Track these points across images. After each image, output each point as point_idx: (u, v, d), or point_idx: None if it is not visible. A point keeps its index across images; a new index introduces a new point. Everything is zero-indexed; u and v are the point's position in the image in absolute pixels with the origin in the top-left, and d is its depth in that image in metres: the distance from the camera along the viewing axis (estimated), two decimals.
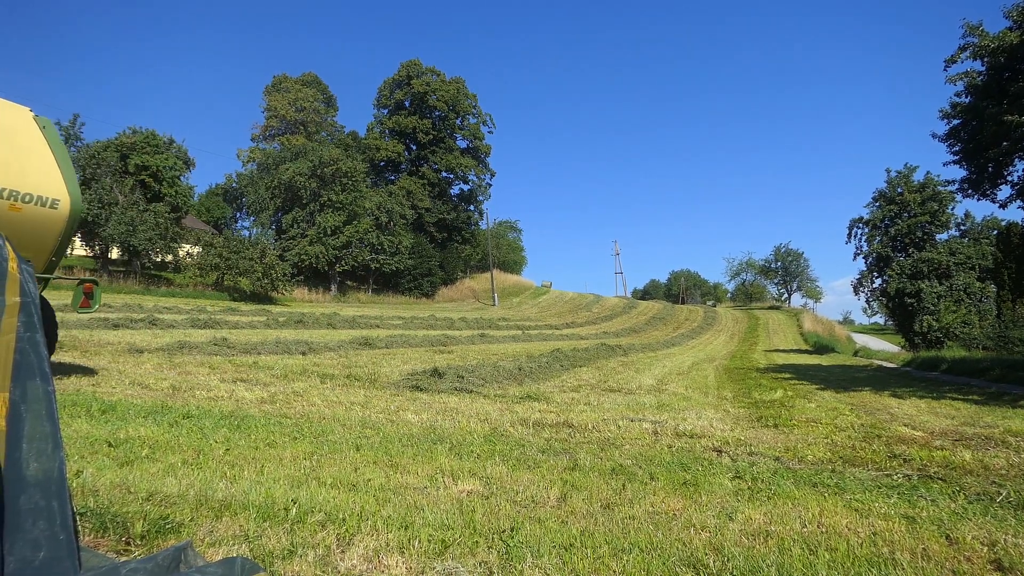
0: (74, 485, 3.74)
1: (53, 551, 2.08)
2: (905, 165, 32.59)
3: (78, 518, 2.71)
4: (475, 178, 64.17)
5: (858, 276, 33.40)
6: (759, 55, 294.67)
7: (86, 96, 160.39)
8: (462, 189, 65.49)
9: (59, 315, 18.51)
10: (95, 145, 33.89)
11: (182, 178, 37.29)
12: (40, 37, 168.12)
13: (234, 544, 3.06)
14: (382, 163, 60.36)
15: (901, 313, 29.31)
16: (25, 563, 2.01)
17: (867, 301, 30.83)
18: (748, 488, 4.78)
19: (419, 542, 3.22)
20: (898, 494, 4.68)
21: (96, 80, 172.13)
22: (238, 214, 62.19)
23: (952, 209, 30.87)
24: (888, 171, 32.64)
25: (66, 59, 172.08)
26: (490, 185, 66.11)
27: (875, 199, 32.94)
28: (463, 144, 63.37)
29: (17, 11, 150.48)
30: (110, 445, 5.06)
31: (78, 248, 34.15)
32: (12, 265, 2.04)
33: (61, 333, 14.18)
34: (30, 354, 2.08)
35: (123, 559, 2.73)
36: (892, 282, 29.16)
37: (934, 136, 18.12)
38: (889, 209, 31.65)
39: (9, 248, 2.05)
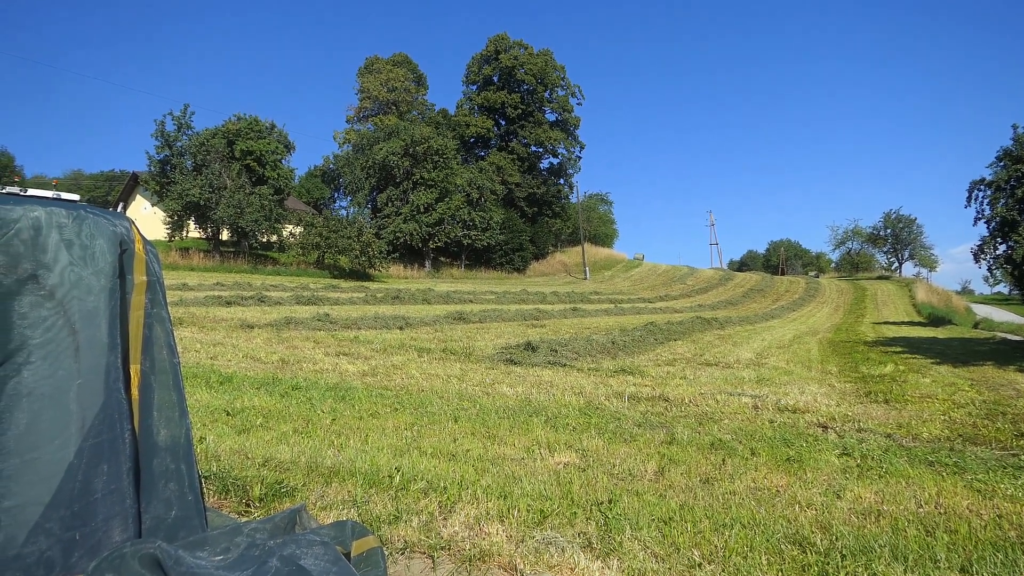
0: (198, 450, 4.03)
1: (183, 510, 2.25)
2: None
3: (203, 481, 2.91)
4: (564, 151, 63.43)
5: (979, 242, 30.61)
6: (863, 24, 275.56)
7: (196, 87, 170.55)
8: (552, 163, 64.94)
9: (179, 293, 19.97)
10: (204, 133, 35.80)
11: (283, 161, 38.81)
12: (157, 37, 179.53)
13: (343, 508, 3.22)
14: (472, 139, 60.71)
15: None
16: (159, 520, 2.18)
17: (989, 269, 28.14)
18: (857, 465, 4.57)
19: (518, 511, 3.27)
20: None
21: (204, 72, 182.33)
22: (336, 194, 64.26)
23: None
24: (1015, 127, 29.56)
25: (178, 54, 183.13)
26: (580, 158, 65.11)
27: (999, 158, 29.95)
28: (552, 117, 62.62)
29: (137, 14, 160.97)
30: (228, 414, 5.41)
31: (193, 231, 36.35)
32: (138, 247, 2.19)
33: (180, 310, 15.26)
34: (157, 328, 2.24)
35: (244, 519, 2.93)
36: (1019, 248, 26.73)
37: None
38: (1016, 169, 28.76)
39: (135, 231, 2.19)
